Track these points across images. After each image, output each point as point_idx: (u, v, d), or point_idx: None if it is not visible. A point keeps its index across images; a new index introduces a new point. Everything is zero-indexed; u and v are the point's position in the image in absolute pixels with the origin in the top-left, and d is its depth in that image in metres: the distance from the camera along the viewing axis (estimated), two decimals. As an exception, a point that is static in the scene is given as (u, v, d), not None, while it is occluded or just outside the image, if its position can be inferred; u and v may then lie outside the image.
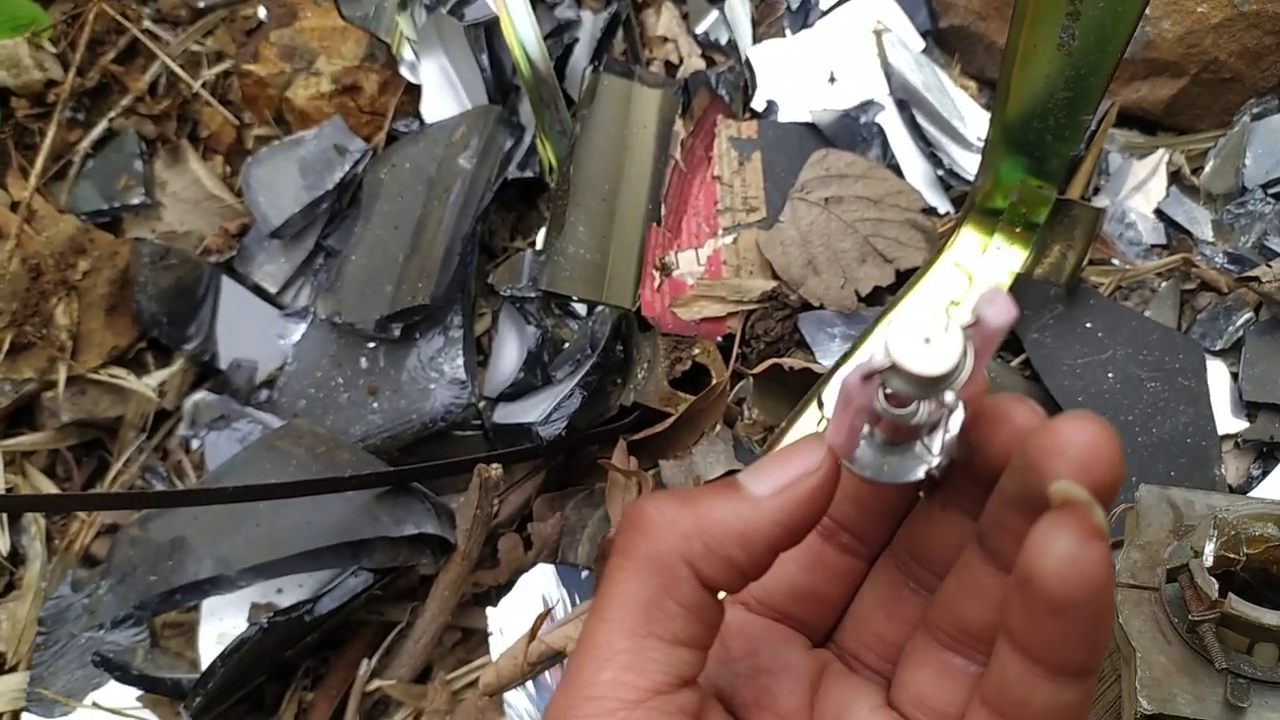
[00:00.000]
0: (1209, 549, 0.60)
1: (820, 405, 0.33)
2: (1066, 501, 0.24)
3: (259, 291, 1.06)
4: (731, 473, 0.86)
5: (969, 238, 0.92)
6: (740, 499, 0.30)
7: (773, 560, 0.30)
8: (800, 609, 0.35)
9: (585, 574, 0.86)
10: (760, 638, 0.35)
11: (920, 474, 0.30)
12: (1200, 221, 0.96)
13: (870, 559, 0.35)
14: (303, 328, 1.03)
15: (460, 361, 0.96)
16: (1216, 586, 0.59)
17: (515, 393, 0.99)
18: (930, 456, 0.30)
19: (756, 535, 0.29)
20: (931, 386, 0.27)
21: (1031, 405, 0.29)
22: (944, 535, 0.32)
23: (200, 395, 1.01)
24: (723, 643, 0.34)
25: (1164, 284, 0.93)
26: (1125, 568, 0.64)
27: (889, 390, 0.28)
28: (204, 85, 1.18)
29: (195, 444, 1.00)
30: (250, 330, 1.04)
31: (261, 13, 1.18)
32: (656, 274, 0.97)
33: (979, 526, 0.30)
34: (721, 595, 0.31)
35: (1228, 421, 0.85)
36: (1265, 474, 0.83)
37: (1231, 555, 0.62)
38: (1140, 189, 1.00)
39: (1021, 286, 0.90)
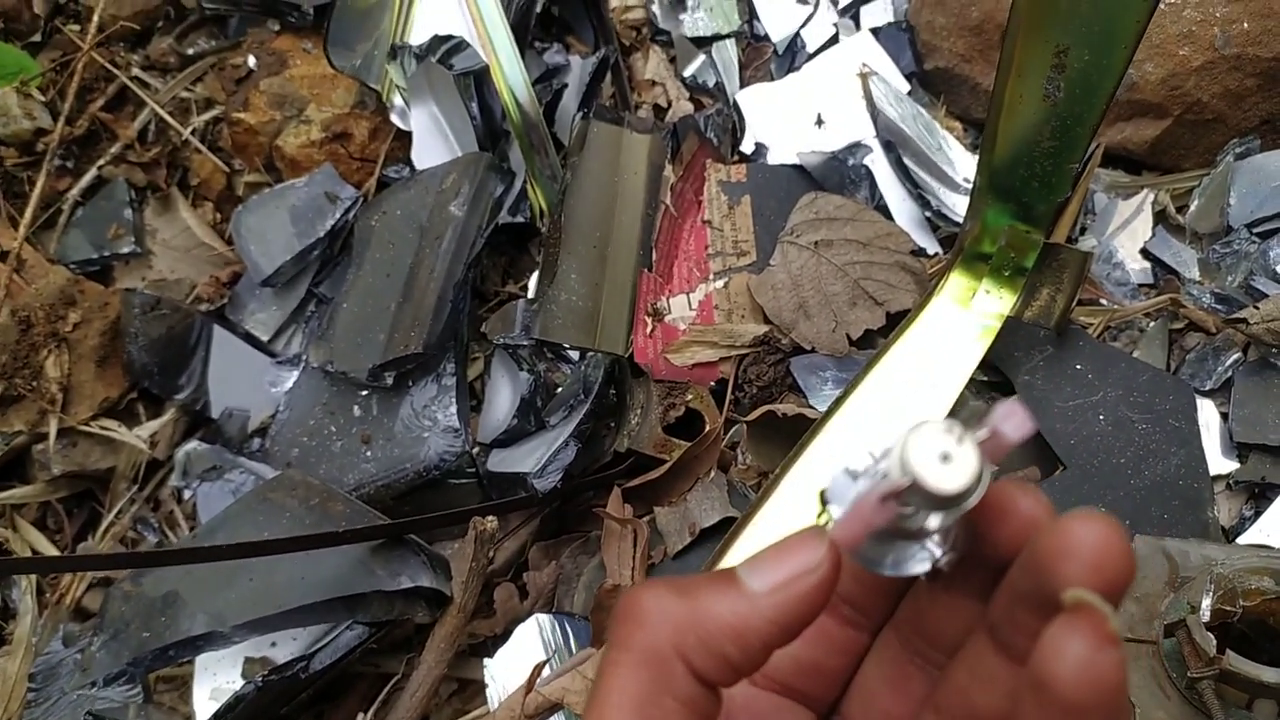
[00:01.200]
0: (1206, 604, 0.61)
1: (823, 502, 0.33)
2: (1080, 605, 0.24)
3: (251, 340, 1.06)
4: (728, 521, 0.86)
5: (958, 282, 0.92)
6: (737, 594, 0.29)
7: (767, 657, 0.30)
8: (804, 682, 0.35)
9: (582, 622, 0.86)
10: (766, 714, 0.35)
11: (926, 567, 0.30)
12: (1187, 261, 0.97)
13: (873, 631, 0.35)
14: (295, 376, 1.03)
15: (454, 409, 0.96)
16: (1214, 643, 0.59)
17: (509, 439, 0.99)
18: (937, 550, 0.30)
19: (751, 633, 0.29)
20: (950, 503, 0.27)
21: (1036, 494, 0.29)
22: (949, 616, 0.32)
23: (192, 445, 1.01)
24: (729, 718, 0.33)
25: (1152, 324, 0.94)
26: (1122, 620, 0.64)
27: (906, 506, 0.29)
28: (194, 132, 1.19)
29: (187, 494, 1.00)
30: (242, 379, 1.04)
31: (251, 61, 1.19)
32: (649, 320, 0.97)
33: (990, 618, 0.30)
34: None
35: (1219, 462, 0.85)
36: (1257, 515, 0.83)
37: (1229, 608, 0.62)
38: (1126, 228, 1.01)
39: (1011, 329, 0.91)
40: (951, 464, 0.27)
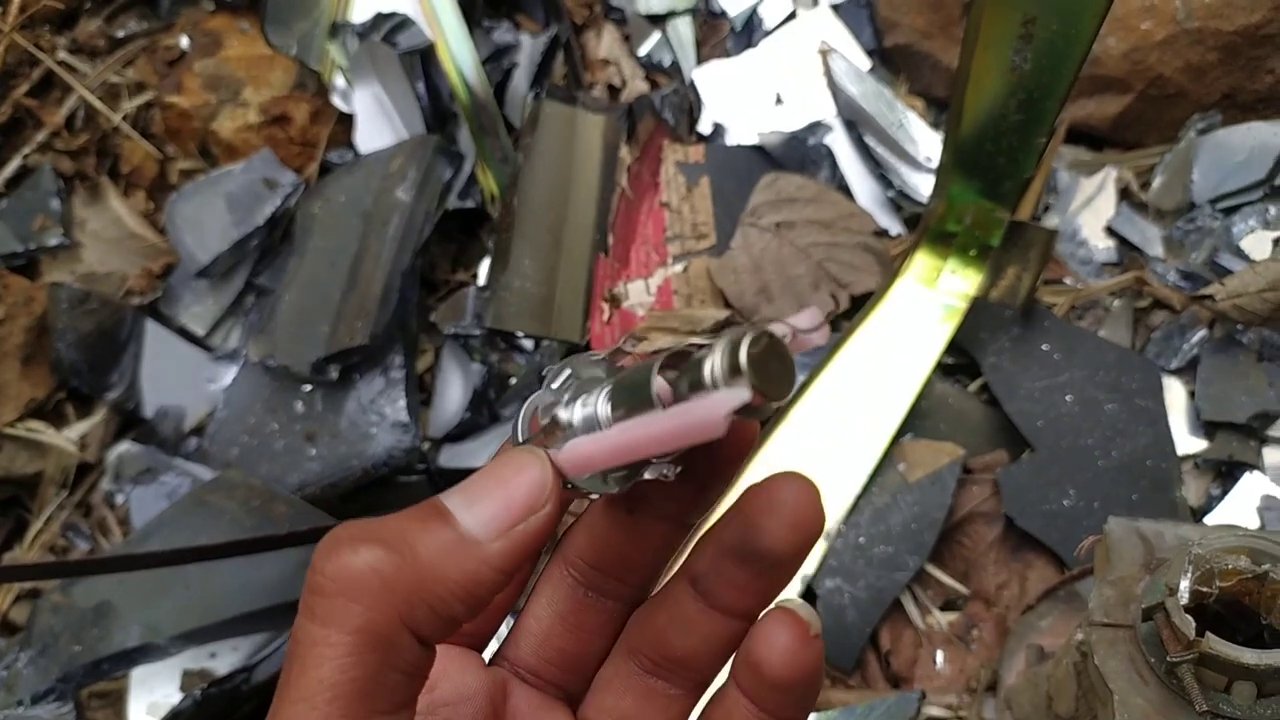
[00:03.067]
0: (1184, 586, 0.58)
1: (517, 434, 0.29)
2: (788, 609, 0.29)
3: (186, 334, 1.01)
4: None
5: (923, 262, 0.90)
6: (462, 547, 0.25)
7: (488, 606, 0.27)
8: (565, 677, 0.33)
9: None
10: (535, 714, 0.32)
11: (654, 475, 0.27)
12: (1151, 238, 0.95)
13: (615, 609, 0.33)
14: (233, 372, 0.98)
15: (402, 403, 0.92)
16: (1194, 625, 0.57)
17: (461, 433, 0.95)
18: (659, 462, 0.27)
19: (482, 588, 0.25)
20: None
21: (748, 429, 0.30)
22: (641, 546, 0.31)
23: (125, 447, 0.96)
24: None
25: (1117, 303, 0.92)
26: (1099, 605, 0.62)
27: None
28: (124, 118, 1.13)
29: (120, 499, 0.95)
30: (177, 376, 0.99)
31: (184, 42, 1.13)
32: (606, 306, 0.94)
33: (693, 569, 0.30)
34: None
35: (1186, 441, 0.84)
36: (1225, 494, 0.82)
37: (1205, 589, 0.60)
38: (1089, 206, 0.99)
39: (977, 310, 0.89)
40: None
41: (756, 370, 0.24)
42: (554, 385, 0.29)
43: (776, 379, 0.24)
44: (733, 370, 0.24)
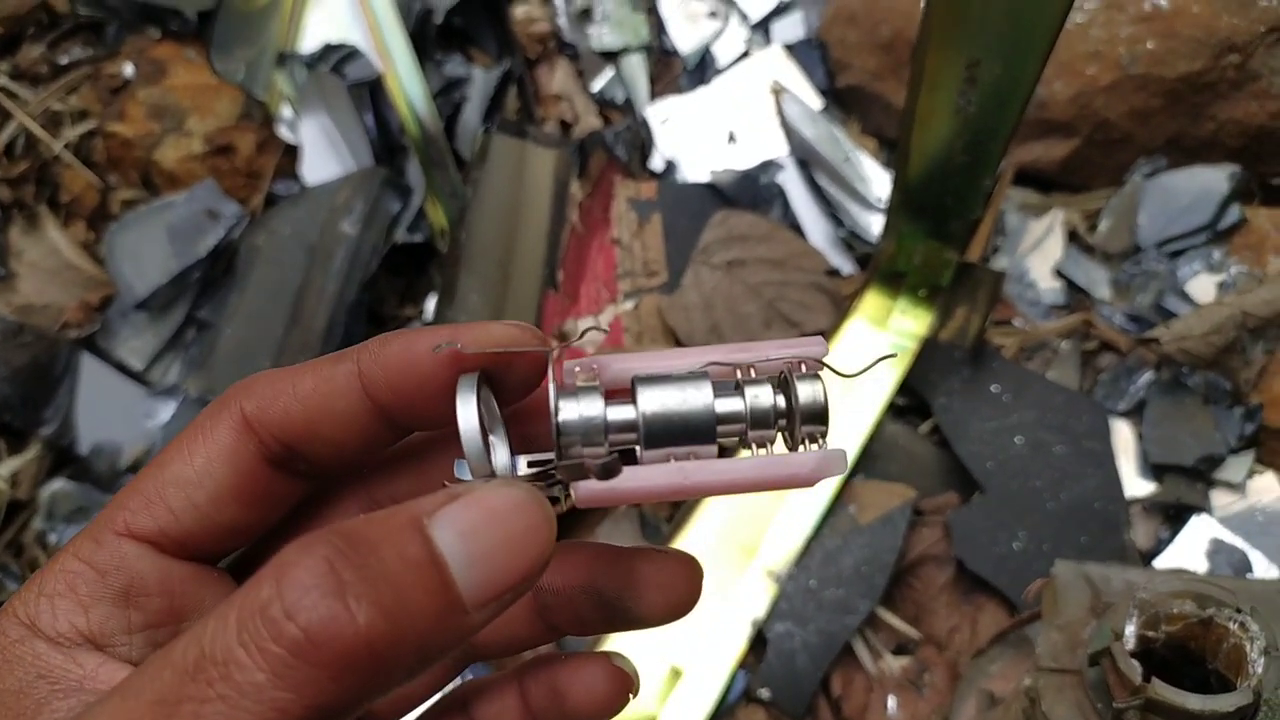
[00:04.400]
0: (1130, 630, 0.58)
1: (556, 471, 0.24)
2: (619, 667, 0.28)
3: (123, 369, 0.98)
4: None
5: (874, 302, 0.90)
6: (452, 612, 0.20)
7: None
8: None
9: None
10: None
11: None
12: (1098, 281, 0.96)
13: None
14: (172, 407, 0.96)
15: (346, 441, 0.89)
16: (1140, 670, 0.56)
17: (407, 471, 0.93)
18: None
19: (449, 651, 0.21)
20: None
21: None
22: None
23: (58, 484, 0.92)
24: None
25: (1065, 344, 0.92)
26: (1046, 650, 0.61)
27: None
28: (66, 146, 1.10)
29: (53, 538, 0.91)
30: (113, 411, 0.95)
31: (128, 70, 1.11)
32: (554, 344, 0.92)
33: (546, 587, 0.28)
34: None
35: (1135, 484, 0.84)
36: (1173, 536, 0.82)
37: (1151, 634, 0.59)
38: (1038, 248, 1.00)
39: (928, 351, 0.89)
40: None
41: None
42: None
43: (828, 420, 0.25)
44: (816, 416, 0.24)
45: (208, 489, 0.24)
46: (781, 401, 0.24)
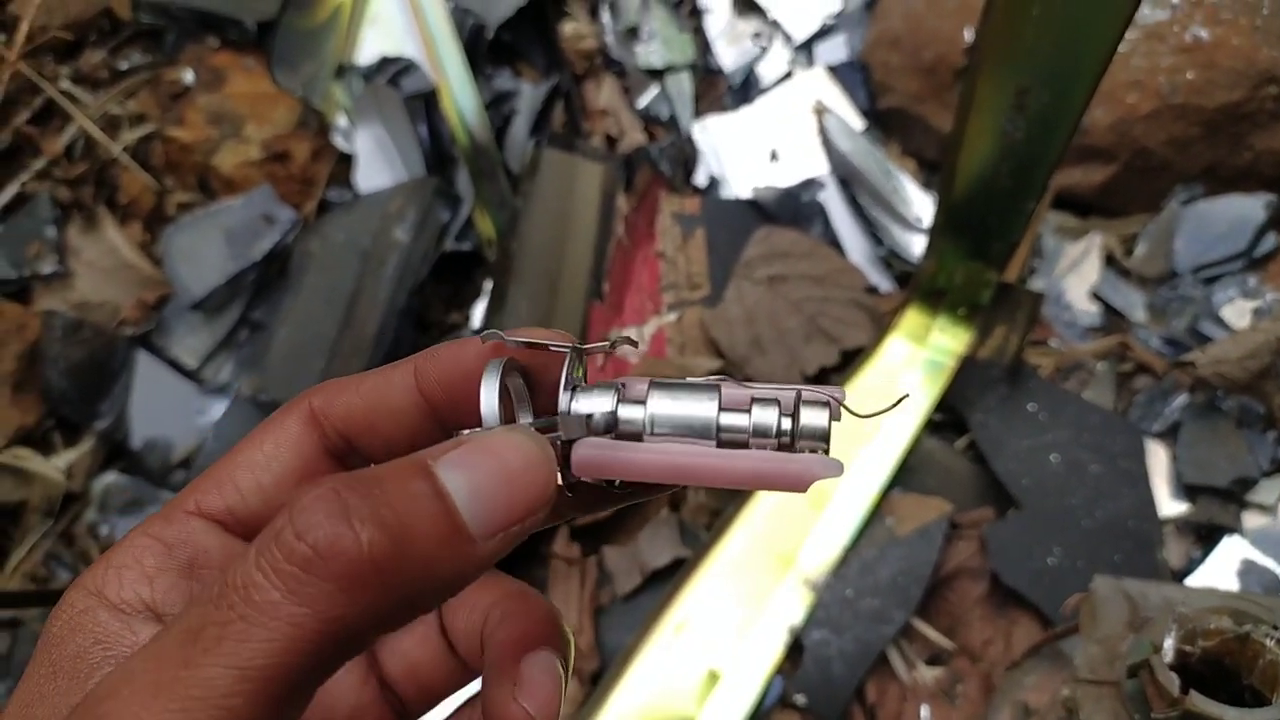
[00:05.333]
0: (1169, 644, 0.59)
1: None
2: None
3: (177, 367, 1.01)
4: (679, 561, 0.83)
5: (914, 319, 0.92)
6: (457, 539, 0.22)
7: None
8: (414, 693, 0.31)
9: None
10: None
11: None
12: (1134, 304, 0.98)
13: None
14: (224, 405, 0.98)
15: (394, 442, 0.92)
16: (1178, 683, 0.58)
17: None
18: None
19: (460, 586, 0.22)
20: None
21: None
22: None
23: (111, 477, 0.95)
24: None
25: (1101, 366, 0.94)
26: (1084, 662, 0.62)
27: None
28: (124, 149, 1.13)
29: (104, 529, 0.94)
30: (166, 408, 0.98)
31: (188, 76, 1.14)
32: (600, 354, 0.95)
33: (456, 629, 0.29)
34: None
35: (1168, 504, 0.85)
36: (1205, 556, 0.83)
37: (1189, 649, 0.61)
38: (1074, 270, 1.02)
39: (966, 369, 0.90)
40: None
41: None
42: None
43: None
44: (817, 436, 0.25)
45: (273, 472, 0.26)
46: (786, 423, 0.25)
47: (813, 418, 0.25)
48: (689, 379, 0.26)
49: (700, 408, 0.26)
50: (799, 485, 0.24)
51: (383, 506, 0.20)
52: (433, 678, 0.29)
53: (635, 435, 0.26)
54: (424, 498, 0.21)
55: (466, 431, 0.24)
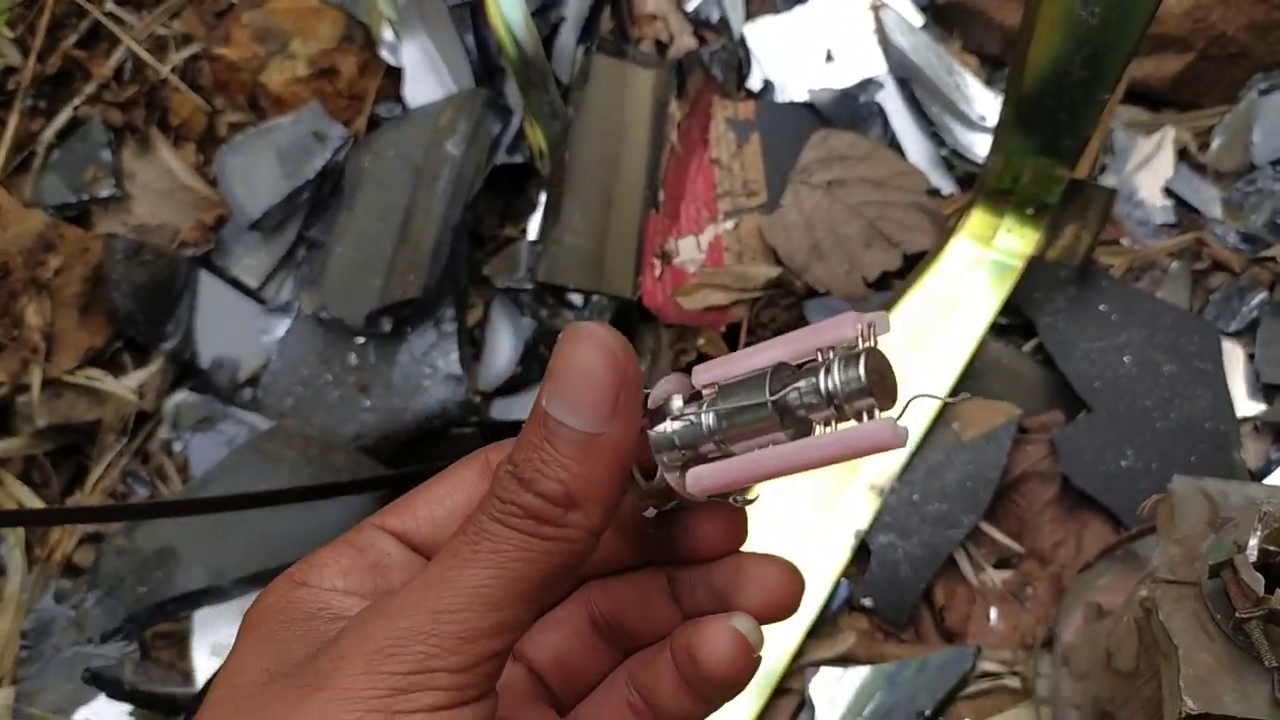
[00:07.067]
0: (1253, 543, 0.58)
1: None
2: (738, 631, 0.30)
3: (239, 286, 1.02)
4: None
5: (979, 219, 0.89)
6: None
7: None
8: (558, 680, 0.35)
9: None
10: (521, 698, 0.34)
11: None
12: (1210, 200, 0.94)
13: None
14: (286, 323, 0.99)
15: (454, 356, 0.92)
16: (1263, 582, 0.57)
17: (512, 386, 0.96)
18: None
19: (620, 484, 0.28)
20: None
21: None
22: (646, 605, 0.33)
23: (181, 396, 0.97)
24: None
25: (1175, 264, 0.91)
26: (1164, 562, 0.62)
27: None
28: (172, 70, 1.13)
29: (178, 447, 0.96)
30: (231, 327, 0.99)
31: (232, -8, 1.13)
32: (657, 262, 0.94)
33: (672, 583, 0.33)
34: None
35: (1245, 404, 0.84)
36: (1283, 456, 0.82)
37: (1273, 548, 0.60)
38: (1147, 166, 0.98)
39: (1032, 270, 0.88)
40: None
41: (875, 386, 0.27)
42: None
43: (888, 390, 0.27)
44: (857, 390, 0.27)
45: (446, 506, 0.32)
46: (833, 383, 0.27)
47: (849, 375, 0.27)
48: (739, 375, 0.29)
49: (755, 401, 0.28)
50: (893, 441, 0.26)
51: (538, 464, 0.26)
52: (580, 665, 0.34)
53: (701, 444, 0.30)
54: (553, 437, 0.26)
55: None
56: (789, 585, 0.31)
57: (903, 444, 0.26)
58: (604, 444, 0.26)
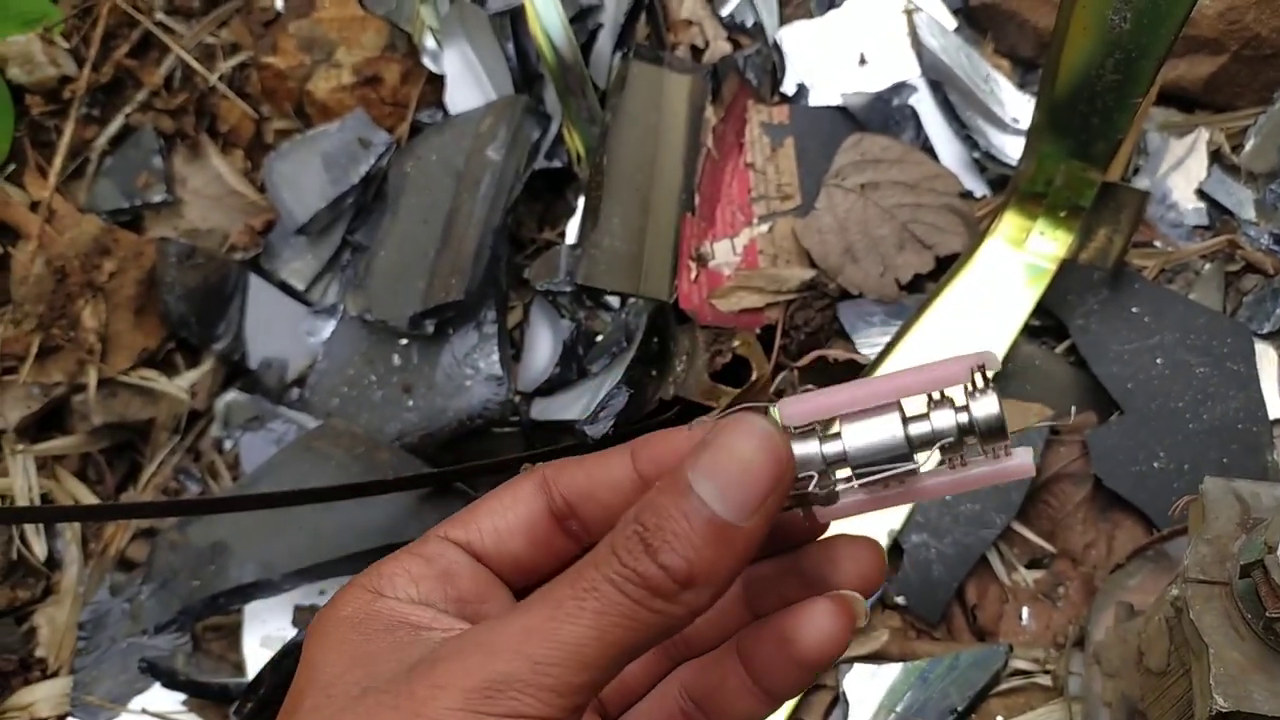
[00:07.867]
0: (1283, 544, 0.59)
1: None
2: (846, 598, 0.32)
3: (286, 289, 1.05)
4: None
5: (1012, 222, 0.90)
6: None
7: None
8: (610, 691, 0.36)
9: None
10: None
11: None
12: (1243, 202, 0.95)
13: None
14: (332, 325, 1.02)
15: (495, 357, 0.94)
16: (1292, 582, 0.58)
17: (551, 387, 0.98)
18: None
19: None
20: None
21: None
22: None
23: (232, 395, 1.00)
24: None
25: (1208, 266, 0.92)
26: (1195, 562, 0.63)
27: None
28: (221, 78, 1.16)
29: (229, 445, 0.99)
30: (279, 328, 1.02)
31: (278, 3, 1.16)
32: (693, 265, 0.96)
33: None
34: None
35: (1278, 406, 0.84)
36: (1317, 458, 0.82)
37: (1303, 549, 0.61)
38: (1179, 168, 0.98)
39: (1064, 272, 0.89)
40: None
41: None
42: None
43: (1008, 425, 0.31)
44: (997, 429, 0.31)
45: (507, 520, 0.33)
46: (963, 418, 0.31)
47: (986, 409, 0.31)
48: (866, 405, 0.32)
49: (889, 431, 0.31)
50: (1026, 473, 0.32)
51: (669, 535, 0.26)
52: (630, 674, 0.35)
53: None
54: (693, 515, 0.27)
55: (702, 418, 0.31)
56: (880, 560, 0.34)
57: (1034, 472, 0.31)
58: (740, 535, 0.27)
